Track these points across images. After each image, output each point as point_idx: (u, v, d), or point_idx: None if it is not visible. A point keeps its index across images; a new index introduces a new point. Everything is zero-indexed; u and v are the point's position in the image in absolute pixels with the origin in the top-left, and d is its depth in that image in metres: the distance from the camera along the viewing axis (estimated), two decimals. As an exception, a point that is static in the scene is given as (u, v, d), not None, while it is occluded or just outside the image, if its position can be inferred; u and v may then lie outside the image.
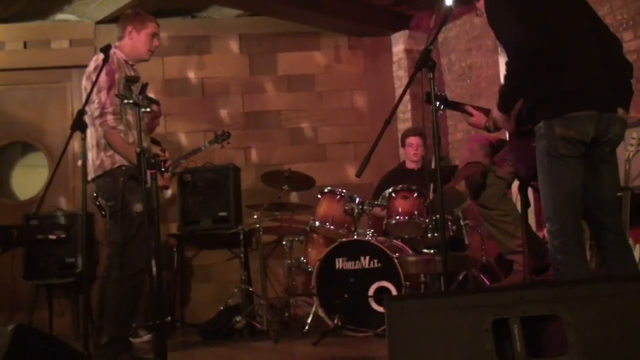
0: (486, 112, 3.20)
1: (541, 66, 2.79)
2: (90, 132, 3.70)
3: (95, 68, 3.66)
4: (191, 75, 6.44)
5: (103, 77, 3.62)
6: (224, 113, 6.41)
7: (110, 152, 3.68)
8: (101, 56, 3.46)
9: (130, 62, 3.88)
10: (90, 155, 3.74)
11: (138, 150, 3.04)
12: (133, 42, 3.90)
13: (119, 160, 3.68)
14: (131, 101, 3.20)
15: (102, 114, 3.64)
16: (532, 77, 2.81)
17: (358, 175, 2.73)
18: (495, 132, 3.27)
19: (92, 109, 3.67)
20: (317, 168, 6.18)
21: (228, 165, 5.76)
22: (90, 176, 3.74)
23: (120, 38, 3.94)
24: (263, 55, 6.49)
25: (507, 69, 2.87)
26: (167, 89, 6.35)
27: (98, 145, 3.71)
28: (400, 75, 6.47)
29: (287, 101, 6.47)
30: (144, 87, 3.26)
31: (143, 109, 3.18)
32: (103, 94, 3.65)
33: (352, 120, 6.50)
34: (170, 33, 6.30)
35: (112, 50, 3.65)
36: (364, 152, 6.35)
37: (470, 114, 3.23)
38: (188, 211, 5.66)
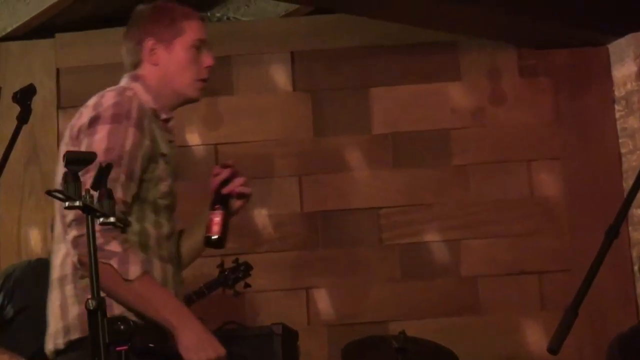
0: None
1: None
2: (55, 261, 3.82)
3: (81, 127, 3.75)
4: (193, 139, 6.64)
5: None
6: (261, 215, 6.57)
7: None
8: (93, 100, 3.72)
9: (164, 115, 3.97)
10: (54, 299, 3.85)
11: (92, 304, 3.09)
12: (163, 68, 4.00)
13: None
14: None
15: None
16: None
17: (554, 349, 2.80)
18: None
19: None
20: (464, 329, 6.27)
21: (273, 327, 5.77)
22: (47, 348, 3.84)
23: (136, 65, 4.04)
24: (341, 94, 6.66)
25: None
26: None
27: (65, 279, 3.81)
28: (631, 126, 6.52)
29: (392, 189, 6.59)
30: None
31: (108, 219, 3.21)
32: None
33: (533, 223, 6.57)
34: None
35: (127, 89, 3.83)
36: (560, 291, 6.49)
37: None
38: None
